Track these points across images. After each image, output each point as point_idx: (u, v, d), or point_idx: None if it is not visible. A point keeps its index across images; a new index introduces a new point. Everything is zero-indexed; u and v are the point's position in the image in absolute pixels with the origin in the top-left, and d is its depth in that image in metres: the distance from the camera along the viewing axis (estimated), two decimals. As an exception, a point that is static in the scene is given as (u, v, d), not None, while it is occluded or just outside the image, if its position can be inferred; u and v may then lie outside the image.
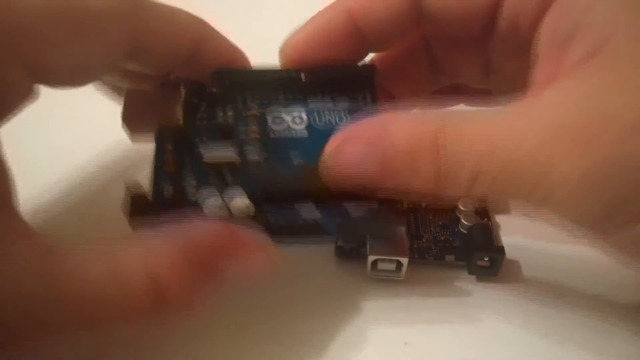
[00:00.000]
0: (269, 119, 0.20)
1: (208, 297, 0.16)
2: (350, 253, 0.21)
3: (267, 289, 0.20)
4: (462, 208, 0.22)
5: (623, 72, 0.15)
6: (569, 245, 0.21)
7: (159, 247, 0.15)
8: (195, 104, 0.20)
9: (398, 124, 0.16)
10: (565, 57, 0.16)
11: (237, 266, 0.16)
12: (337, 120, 0.20)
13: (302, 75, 0.20)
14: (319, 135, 0.19)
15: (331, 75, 0.20)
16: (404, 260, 0.19)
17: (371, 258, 0.19)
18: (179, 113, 0.19)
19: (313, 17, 0.20)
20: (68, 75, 0.17)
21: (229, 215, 0.17)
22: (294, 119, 0.20)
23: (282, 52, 0.20)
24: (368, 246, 0.19)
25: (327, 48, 0.19)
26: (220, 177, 0.18)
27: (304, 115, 0.20)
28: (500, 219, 0.23)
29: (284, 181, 0.18)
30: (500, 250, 0.19)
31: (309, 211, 0.18)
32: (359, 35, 0.19)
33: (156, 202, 0.17)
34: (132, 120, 0.19)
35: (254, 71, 0.20)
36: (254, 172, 0.18)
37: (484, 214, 0.22)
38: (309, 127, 0.19)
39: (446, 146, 0.15)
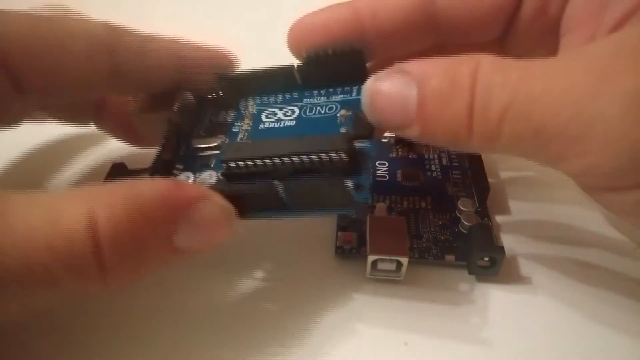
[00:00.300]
0: (263, 115, 0.21)
1: (162, 261, 0.15)
2: (350, 253, 0.21)
3: (267, 289, 0.20)
4: (462, 208, 0.22)
5: None
6: (569, 245, 0.21)
7: (102, 200, 0.14)
8: (202, 108, 0.21)
9: (439, 61, 0.15)
10: (602, 21, 0.15)
11: (187, 222, 0.15)
12: (327, 110, 0.20)
13: (298, 77, 0.21)
14: (306, 123, 0.20)
15: (324, 69, 0.20)
16: (404, 260, 0.19)
17: (371, 258, 0.19)
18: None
19: (323, 8, 0.20)
20: (49, 89, 0.18)
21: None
22: (285, 113, 0.20)
23: (289, 30, 0.20)
24: (368, 246, 0.19)
25: (327, 40, 0.19)
26: (204, 162, 0.19)
27: (296, 109, 0.20)
28: (500, 219, 0.23)
29: (248, 151, 0.17)
30: (500, 250, 0.19)
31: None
32: (361, 34, 0.19)
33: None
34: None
35: (254, 74, 0.21)
36: (224, 148, 0.19)
37: (484, 214, 0.22)
38: (297, 118, 0.20)
39: (482, 81, 0.14)
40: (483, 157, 0.24)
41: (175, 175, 0.19)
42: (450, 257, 0.20)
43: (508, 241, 0.22)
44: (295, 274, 0.21)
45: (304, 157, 0.16)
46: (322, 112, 0.20)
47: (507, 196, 0.24)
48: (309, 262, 0.21)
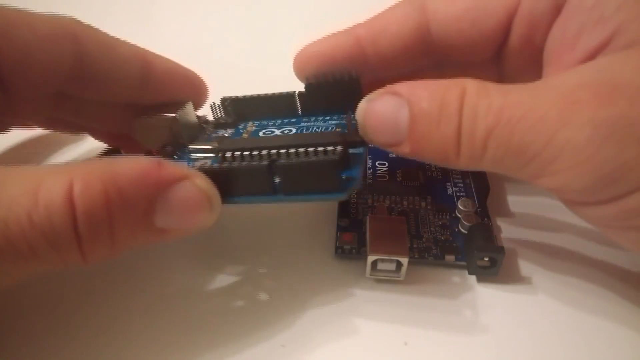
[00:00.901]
0: (260, 133, 0.21)
1: (142, 242, 0.15)
2: (350, 253, 0.21)
3: (267, 289, 0.20)
4: (462, 208, 0.22)
5: (636, 52, 0.15)
6: (570, 245, 0.21)
7: (81, 174, 0.14)
8: (202, 128, 0.22)
9: (428, 84, 0.16)
10: (574, 53, 0.17)
11: (165, 202, 0.15)
12: (323, 130, 0.20)
13: (298, 104, 0.21)
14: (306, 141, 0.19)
15: (323, 95, 0.21)
16: (404, 260, 0.19)
17: (371, 258, 0.19)
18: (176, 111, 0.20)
19: (325, 37, 0.21)
20: (15, 69, 0.18)
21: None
22: (282, 131, 0.21)
23: (295, 58, 0.21)
24: (368, 246, 0.19)
25: (331, 66, 0.21)
26: (202, 160, 0.20)
27: (293, 128, 0.21)
28: (500, 219, 0.23)
29: (243, 143, 0.18)
30: (500, 250, 0.19)
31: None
32: (363, 60, 0.20)
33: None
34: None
35: (256, 99, 0.22)
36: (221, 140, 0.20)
37: (484, 214, 0.22)
38: (294, 136, 0.20)
39: (470, 102, 0.15)
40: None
41: None
42: (450, 257, 0.20)
43: (508, 241, 0.22)
44: (295, 274, 0.21)
45: (300, 149, 0.16)
46: (318, 130, 0.20)
47: (507, 196, 0.24)
48: (309, 262, 0.21)
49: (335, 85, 0.20)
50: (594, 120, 0.14)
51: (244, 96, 0.22)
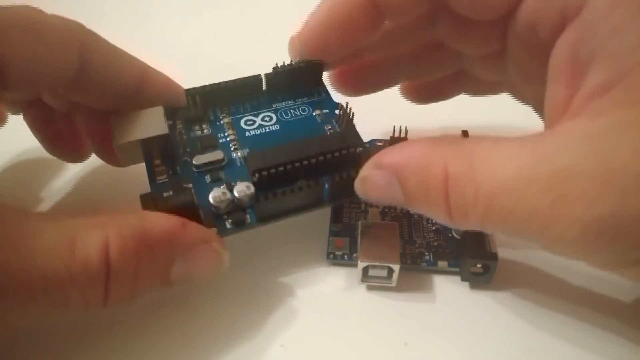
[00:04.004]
0: (242, 122, 0.21)
1: (154, 289, 0.17)
2: (342, 259, 0.20)
3: (264, 290, 0.20)
4: (456, 213, 0.22)
5: (638, 112, 0.14)
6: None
7: (115, 230, 0.15)
8: (170, 125, 0.20)
9: (413, 155, 0.17)
10: (581, 83, 0.16)
11: (184, 260, 0.17)
12: (301, 112, 0.22)
13: (264, 83, 0.22)
14: (289, 125, 0.21)
15: (288, 77, 0.22)
16: (395, 267, 0.19)
17: (362, 264, 0.19)
18: (164, 124, 0.19)
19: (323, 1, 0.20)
20: (22, 75, 0.18)
21: (232, 199, 0.18)
22: (263, 119, 0.21)
23: (300, 42, 0.21)
24: (359, 252, 0.19)
25: (348, 29, 0.20)
26: (214, 174, 0.19)
27: (272, 114, 0.22)
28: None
29: (273, 158, 0.19)
30: (493, 256, 0.19)
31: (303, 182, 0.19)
32: (377, 10, 0.20)
33: (159, 201, 0.18)
34: (122, 140, 0.19)
35: (219, 85, 0.21)
36: (249, 158, 0.19)
37: (478, 220, 0.22)
38: (278, 121, 0.21)
39: (455, 187, 0.15)
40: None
41: (210, 189, 0.18)
42: (443, 264, 0.20)
43: (502, 248, 0.21)
44: (292, 276, 0.21)
45: (327, 156, 0.19)
46: (298, 114, 0.22)
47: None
48: (304, 266, 0.21)
49: (298, 69, 0.22)
50: (582, 220, 0.14)
51: (210, 85, 0.21)
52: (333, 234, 0.21)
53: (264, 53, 0.22)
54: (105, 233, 0.15)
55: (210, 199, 0.18)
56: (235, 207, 0.18)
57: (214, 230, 0.18)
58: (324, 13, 0.20)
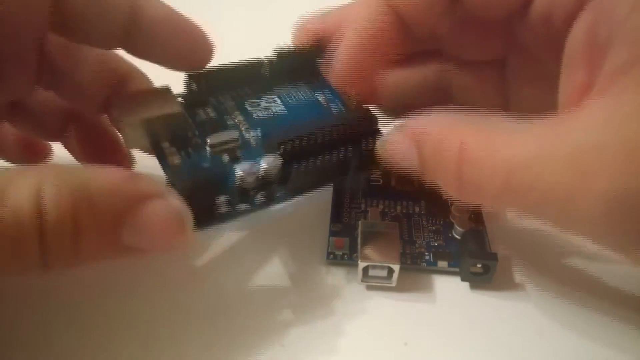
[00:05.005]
0: (247, 105, 0.21)
1: (105, 256, 0.15)
2: (342, 259, 0.20)
3: (263, 290, 0.20)
4: (456, 214, 0.22)
5: None
6: (564, 252, 0.21)
7: (51, 180, 0.14)
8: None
9: (434, 123, 0.17)
10: (601, 65, 0.15)
11: (134, 218, 0.14)
12: (304, 97, 0.22)
13: (267, 70, 0.22)
14: (297, 108, 0.21)
15: (289, 63, 0.22)
16: (395, 267, 0.19)
17: (362, 264, 0.19)
18: (176, 102, 0.19)
19: (352, 23, 0.21)
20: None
21: (260, 174, 0.18)
22: (267, 101, 0.21)
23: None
24: (359, 252, 0.19)
25: (379, 51, 0.21)
26: (232, 153, 0.19)
27: (276, 98, 0.22)
28: (494, 224, 0.22)
29: (296, 131, 0.19)
30: (493, 257, 0.19)
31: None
32: (405, 29, 0.20)
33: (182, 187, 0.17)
34: (129, 119, 0.18)
35: (221, 70, 0.21)
36: (272, 133, 0.19)
37: (478, 220, 0.22)
38: (284, 104, 0.21)
39: (470, 159, 0.15)
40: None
41: (230, 168, 0.18)
42: (443, 264, 0.20)
43: (502, 248, 0.21)
44: (290, 276, 0.20)
45: (348, 130, 0.19)
46: (301, 98, 0.22)
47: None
48: (303, 266, 0.21)
49: (300, 54, 0.22)
50: (606, 194, 0.13)
51: (212, 68, 0.21)
52: (333, 234, 0.21)
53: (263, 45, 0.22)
54: (40, 181, 0.13)
55: (239, 172, 0.18)
56: (262, 183, 0.18)
57: (166, 187, 0.16)
58: (354, 41, 0.20)
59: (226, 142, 0.19)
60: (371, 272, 0.19)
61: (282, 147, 0.18)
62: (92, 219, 0.14)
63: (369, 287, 0.20)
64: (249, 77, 0.22)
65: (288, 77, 0.22)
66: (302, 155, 0.18)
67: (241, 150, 0.19)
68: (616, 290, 0.20)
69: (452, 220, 0.22)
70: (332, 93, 0.22)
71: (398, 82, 0.24)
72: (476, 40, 0.21)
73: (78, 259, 0.14)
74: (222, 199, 0.18)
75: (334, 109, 0.22)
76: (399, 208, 0.23)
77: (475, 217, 0.22)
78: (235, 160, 0.19)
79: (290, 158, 0.18)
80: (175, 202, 0.15)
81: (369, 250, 0.19)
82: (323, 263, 0.21)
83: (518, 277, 0.20)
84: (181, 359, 0.18)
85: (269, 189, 0.18)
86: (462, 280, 0.20)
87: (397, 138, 0.18)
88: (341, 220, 0.22)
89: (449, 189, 0.16)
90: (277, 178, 0.18)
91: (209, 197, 0.17)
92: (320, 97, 0.22)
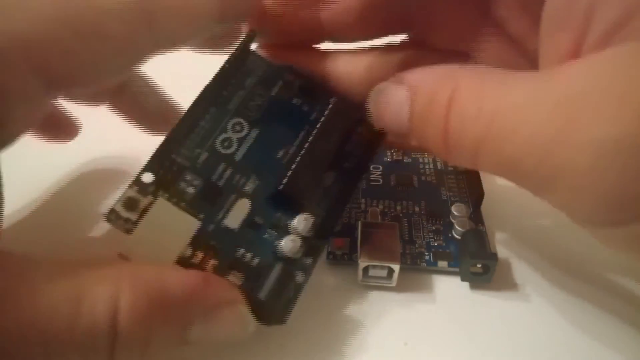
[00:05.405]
0: (219, 148, 0.18)
1: (168, 350, 0.15)
2: (342, 259, 0.20)
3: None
4: (456, 213, 0.22)
5: None
6: (564, 252, 0.21)
7: (127, 287, 0.14)
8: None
9: (430, 73, 0.16)
10: (587, 27, 0.14)
11: (204, 322, 0.15)
12: (260, 99, 0.19)
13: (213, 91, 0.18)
14: (265, 122, 0.19)
15: (227, 72, 0.19)
16: (396, 267, 0.19)
17: (362, 264, 0.19)
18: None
19: None
20: (85, 80, 0.16)
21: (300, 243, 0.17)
22: (234, 129, 0.18)
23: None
24: (359, 252, 0.19)
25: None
26: (252, 224, 0.18)
27: (239, 120, 0.19)
28: (494, 224, 0.22)
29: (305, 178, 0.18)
30: (493, 257, 0.19)
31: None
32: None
33: None
34: None
35: (184, 119, 0.18)
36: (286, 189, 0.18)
37: (478, 220, 0.22)
38: (251, 124, 0.19)
39: (457, 109, 0.14)
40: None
41: (263, 243, 0.17)
42: (443, 264, 0.20)
43: (502, 248, 0.21)
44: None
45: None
46: (259, 103, 0.19)
47: (502, 202, 0.24)
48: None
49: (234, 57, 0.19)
50: (595, 142, 0.12)
51: (174, 128, 0.17)
52: (333, 234, 0.21)
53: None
54: (117, 289, 0.13)
55: (287, 253, 0.17)
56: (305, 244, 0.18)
57: (237, 290, 0.16)
58: None
59: (247, 216, 0.17)
60: (371, 272, 0.19)
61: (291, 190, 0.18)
62: (165, 326, 0.14)
63: (369, 287, 0.20)
64: (201, 115, 0.18)
65: (232, 84, 0.19)
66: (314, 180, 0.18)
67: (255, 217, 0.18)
68: (616, 290, 0.20)
69: (452, 220, 0.22)
70: (279, 77, 0.20)
71: (353, 68, 0.21)
72: (448, 19, 0.19)
73: (145, 356, 0.14)
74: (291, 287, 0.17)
75: (298, 103, 0.20)
76: (399, 208, 0.23)
77: (475, 217, 0.22)
78: (254, 226, 0.17)
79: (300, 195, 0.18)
80: (244, 310, 0.16)
81: (369, 250, 0.19)
82: (323, 263, 0.21)
83: (518, 277, 0.20)
84: (179, 357, 0.18)
85: (313, 246, 0.18)
86: (462, 280, 0.20)
87: (392, 88, 0.16)
88: (341, 220, 0.22)
89: (435, 146, 0.15)
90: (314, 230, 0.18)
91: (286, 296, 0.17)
92: (275, 91, 0.20)
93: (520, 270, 0.21)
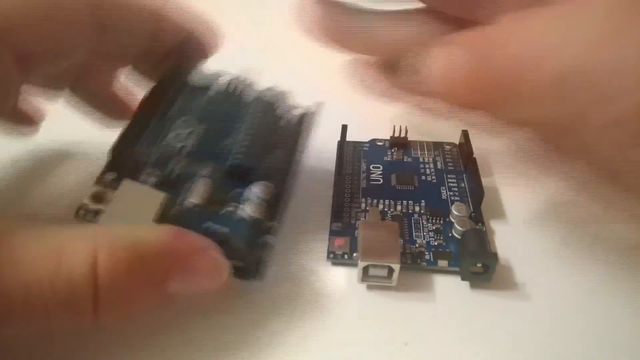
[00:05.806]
0: (170, 140, 0.20)
1: (151, 306, 0.16)
2: (342, 258, 0.20)
3: (263, 290, 0.20)
4: (456, 213, 0.22)
5: None
6: (564, 251, 0.21)
7: (105, 243, 0.14)
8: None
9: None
10: None
11: (181, 272, 0.16)
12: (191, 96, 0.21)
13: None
14: (207, 113, 0.21)
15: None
16: (396, 267, 0.19)
17: (362, 264, 0.19)
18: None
19: None
20: (49, 56, 0.18)
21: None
22: (177, 137, 0.20)
23: None
24: (359, 252, 0.19)
25: None
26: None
27: (184, 118, 0.21)
28: (494, 224, 0.22)
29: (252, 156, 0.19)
30: (493, 256, 0.19)
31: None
32: None
33: None
34: None
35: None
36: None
37: (478, 220, 0.22)
38: (198, 122, 0.21)
39: None
40: (478, 161, 0.24)
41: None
42: (443, 263, 0.20)
43: (502, 247, 0.21)
44: (289, 276, 0.20)
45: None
46: (194, 95, 0.21)
47: (502, 201, 0.24)
48: (302, 266, 0.21)
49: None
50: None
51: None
52: (333, 233, 0.21)
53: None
54: (95, 244, 0.14)
55: (252, 214, 0.18)
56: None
57: (208, 239, 0.17)
58: None
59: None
60: (371, 272, 0.19)
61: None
62: (143, 278, 0.15)
63: (369, 287, 0.20)
64: (147, 119, 0.20)
65: (177, 90, 0.21)
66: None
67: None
68: (616, 290, 0.20)
69: (452, 220, 0.22)
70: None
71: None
72: None
73: (127, 314, 0.15)
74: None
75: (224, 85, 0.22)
76: (399, 208, 0.23)
77: (476, 216, 0.22)
78: (216, 202, 0.18)
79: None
80: (216, 255, 0.17)
81: (369, 250, 0.19)
82: (323, 263, 0.21)
83: (518, 277, 0.20)
84: (179, 356, 0.18)
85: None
86: (462, 279, 0.20)
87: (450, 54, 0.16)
88: (341, 219, 0.22)
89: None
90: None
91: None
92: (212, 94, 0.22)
93: (520, 270, 0.21)
